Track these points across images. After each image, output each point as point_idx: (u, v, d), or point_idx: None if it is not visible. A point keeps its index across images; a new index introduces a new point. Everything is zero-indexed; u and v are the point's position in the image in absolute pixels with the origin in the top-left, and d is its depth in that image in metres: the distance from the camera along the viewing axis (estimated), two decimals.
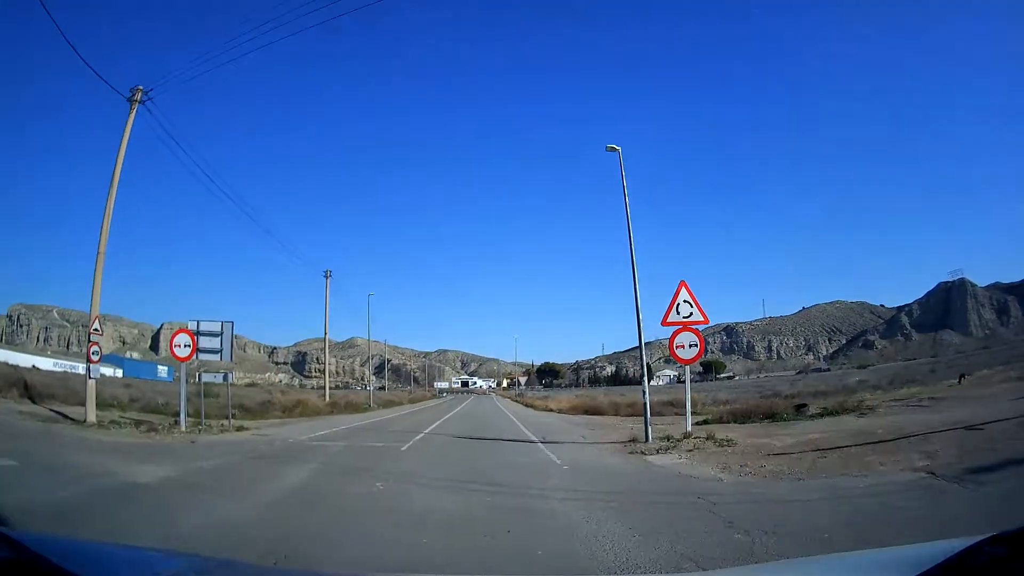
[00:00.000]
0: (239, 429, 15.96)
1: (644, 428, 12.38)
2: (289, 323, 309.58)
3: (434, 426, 20.62)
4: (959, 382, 22.46)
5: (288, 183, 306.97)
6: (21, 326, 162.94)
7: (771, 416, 16.40)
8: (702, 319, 12.22)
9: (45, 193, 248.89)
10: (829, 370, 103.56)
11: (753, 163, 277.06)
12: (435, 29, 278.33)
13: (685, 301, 12.21)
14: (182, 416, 15.14)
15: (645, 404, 12.63)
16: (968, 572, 1.33)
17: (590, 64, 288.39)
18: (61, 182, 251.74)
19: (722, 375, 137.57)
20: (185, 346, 15.47)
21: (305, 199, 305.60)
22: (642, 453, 10.76)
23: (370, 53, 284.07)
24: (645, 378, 13.19)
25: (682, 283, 12.32)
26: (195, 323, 16.98)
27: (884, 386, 28.58)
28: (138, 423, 16.06)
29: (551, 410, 36.68)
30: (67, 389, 21.01)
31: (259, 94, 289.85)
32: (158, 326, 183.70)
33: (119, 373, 66.24)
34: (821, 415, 15.24)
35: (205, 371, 18.57)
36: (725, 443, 11.21)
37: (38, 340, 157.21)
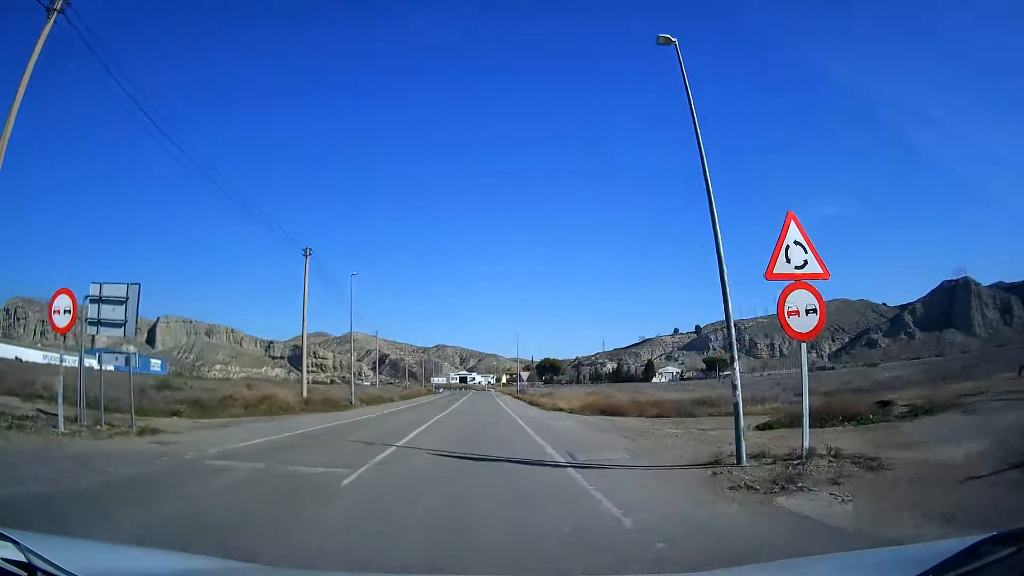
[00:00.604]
0: (144, 432, 11.53)
1: (735, 443, 7.87)
2: (287, 318, 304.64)
3: (416, 432, 15.66)
4: (1019, 375, 21.78)
5: (285, 175, 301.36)
6: (19, 319, 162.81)
7: (853, 417, 12.70)
8: (821, 271, 7.87)
9: (40, 188, 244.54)
10: (834, 368, 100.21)
11: (752, 158, 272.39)
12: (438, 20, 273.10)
13: (796, 243, 7.85)
14: (60, 412, 10.80)
15: (736, 404, 8.06)
16: (968, 572, 1.31)
17: (587, 55, 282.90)
18: (58, 175, 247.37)
19: (725, 373, 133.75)
20: (65, 312, 11.10)
21: (304, 192, 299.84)
22: (753, 488, 6.28)
23: (363, 41, 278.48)
24: (736, 365, 8.68)
25: (790, 215, 7.96)
26: (97, 286, 12.72)
27: (926, 382, 25.62)
28: (22, 419, 12.04)
29: (561, 409, 30.90)
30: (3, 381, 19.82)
31: (258, 84, 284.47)
32: (154, 320, 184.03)
33: (110, 367, 63.75)
34: (913, 414, 12.27)
35: (106, 351, 14.25)
36: (871, 464, 6.91)
37: (35, 333, 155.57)
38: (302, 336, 32.28)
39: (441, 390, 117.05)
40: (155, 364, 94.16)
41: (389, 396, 52.49)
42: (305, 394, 29.68)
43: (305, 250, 31.48)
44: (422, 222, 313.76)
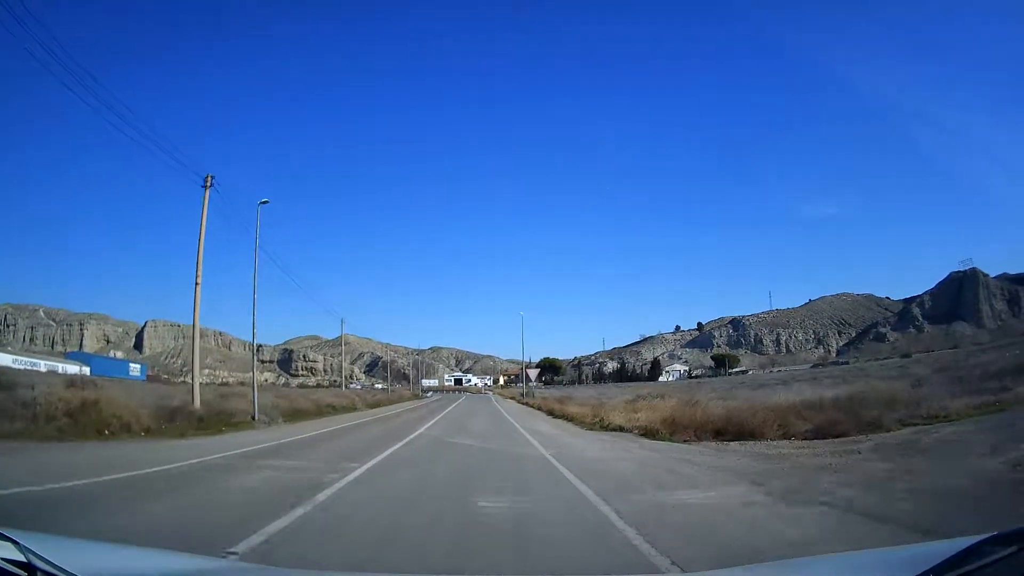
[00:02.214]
0: None
1: None
2: (277, 321, 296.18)
3: None
4: None
5: (283, 178, 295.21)
6: (8, 326, 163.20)
7: None
8: None
9: (33, 195, 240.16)
10: (847, 363, 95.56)
11: (757, 155, 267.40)
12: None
13: None
14: None
15: None
16: (968, 572, 1.31)
17: (588, 57, 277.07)
18: (48, 179, 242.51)
19: (735, 370, 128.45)
20: None
21: (302, 196, 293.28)
22: None
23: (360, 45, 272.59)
24: None
25: None
26: None
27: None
28: None
29: (622, 428, 17.68)
30: None
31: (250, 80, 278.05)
32: (142, 324, 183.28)
33: (87, 371, 62.71)
34: None
35: None
36: None
37: (24, 339, 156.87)
38: (195, 304, 21.70)
39: (431, 394, 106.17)
40: (134, 368, 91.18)
41: (348, 404, 38.60)
42: (197, 403, 19.84)
43: (206, 178, 23.35)
44: (419, 224, 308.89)
